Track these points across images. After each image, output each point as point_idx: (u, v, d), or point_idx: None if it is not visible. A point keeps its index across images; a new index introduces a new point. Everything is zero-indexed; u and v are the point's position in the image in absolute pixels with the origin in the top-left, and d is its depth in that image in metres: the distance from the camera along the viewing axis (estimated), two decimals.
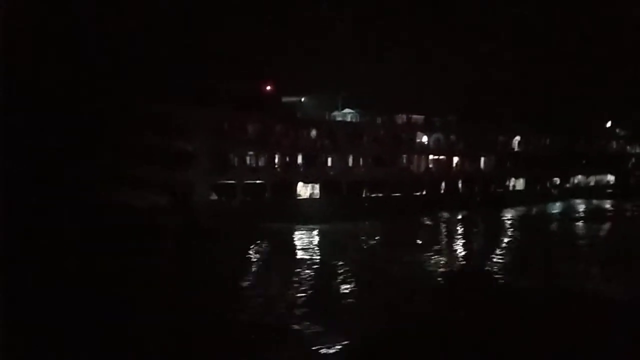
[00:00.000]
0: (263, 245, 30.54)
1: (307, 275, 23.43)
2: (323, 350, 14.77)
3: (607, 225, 43.59)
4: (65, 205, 28.62)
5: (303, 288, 21.35)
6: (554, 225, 44.33)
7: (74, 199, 29.39)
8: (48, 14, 35.39)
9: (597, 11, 72.26)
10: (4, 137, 24.44)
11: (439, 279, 24.31)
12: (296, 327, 16.74)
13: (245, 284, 22.70)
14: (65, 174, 30.62)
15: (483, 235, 38.57)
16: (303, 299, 19.82)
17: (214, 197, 35.70)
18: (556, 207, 53.21)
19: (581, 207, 53.77)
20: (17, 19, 30.93)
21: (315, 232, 34.31)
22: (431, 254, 28.84)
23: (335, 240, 32.77)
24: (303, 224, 35.70)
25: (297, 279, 22.78)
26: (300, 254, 28.48)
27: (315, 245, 31.36)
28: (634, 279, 24.10)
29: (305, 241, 32.05)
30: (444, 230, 39.21)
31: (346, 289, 21.67)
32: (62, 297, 18.01)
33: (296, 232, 34.10)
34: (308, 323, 16.89)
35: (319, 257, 27.58)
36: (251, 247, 29.36)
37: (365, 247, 31.92)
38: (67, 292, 18.61)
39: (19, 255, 21.06)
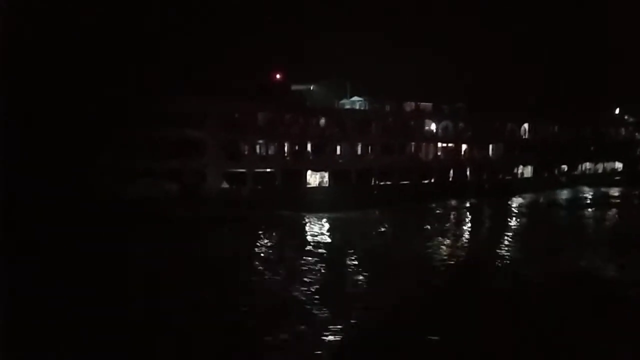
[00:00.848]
0: (274, 233, 30.91)
1: (322, 262, 23.80)
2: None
3: (614, 212, 43.64)
4: (77, 195, 28.91)
5: (321, 275, 21.72)
6: (562, 212, 44.46)
7: (85, 189, 29.70)
8: (58, 6, 35.43)
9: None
10: (13, 130, 24.62)
11: (450, 265, 24.54)
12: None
13: (259, 270, 23.09)
14: (77, 167, 30.89)
15: (492, 222, 38.79)
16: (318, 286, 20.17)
17: (225, 185, 35.99)
18: (564, 195, 53.23)
19: (589, 195, 53.71)
20: (25, 10, 31.01)
21: (325, 220, 34.57)
22: (442, 239, 29.15)
23: (346, 228, 33.05)
24: (313, 212, 35.97)
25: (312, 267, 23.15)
26: (311, 241, 28.76)
27: (327, 232, 31.64)
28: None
29: (315, 229, 32.34)
30: (453, 217, 39.41)
31: (362, 277, 22.02)
32: (76, 284, 18.35)
33: (306, 220, 34.39)
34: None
35: (331, 245, 27.94)
36: (263, 234, 29.76)
37: (376, 234, 32.20)
38: (80, 280, 18.96)
39: (28, 249, 21.32)
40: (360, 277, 21.86)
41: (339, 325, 15.91)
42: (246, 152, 37.37)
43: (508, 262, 24.97)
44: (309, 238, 29.82)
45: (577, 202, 49.20)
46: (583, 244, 29.20)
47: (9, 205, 20.28)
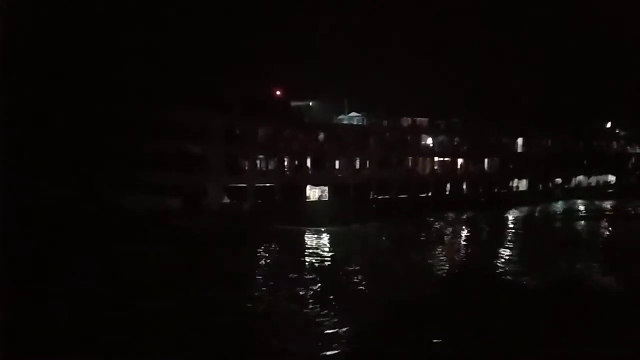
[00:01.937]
0: (275, 246, 31.35)
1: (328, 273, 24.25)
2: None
3: (607, 224, 44.31)
4: (77, 209, 29.21)
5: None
6: (556, 225, 45.11)
7: (86, 203, 30.00)
8: (59, 15, 35.88)
9: (597, 12, 73.29)
10: (15, 142, 24.98)
11: (448, 276, 25.03)
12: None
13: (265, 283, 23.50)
14: (76, 178, 31.20)
15: (490, 234, 39.36)
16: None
17: (226, 200, 36.47)
18: (559, 207, 53.98)
19: (583, 207, 54.48)
20: (26, 18, 31.46)
21: (325, 234, 35.00)
22: (440, 251, 29.73)
23: (346, 241, 33.50)
24: (313, 226, 36.41)
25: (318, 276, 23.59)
26: (312, 253, 29.18)
27: (327, 245, 32.06)
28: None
29: (315, 242, 32.76)
30: (451, 230, 39.93)
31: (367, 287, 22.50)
32: (74, 285, 18.64)
33: (306, 234, 34.80)
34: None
35: (331, 257, 28.40)
36: (263, 247, 30.21)
37: (376, 246, 32.69)
38: (78, 281, 19.33)
39: (27, 259, 21.62)
40: (362, 287, 22.32)
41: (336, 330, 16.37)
42: (247, 167, 37.97)
43: (507, 270, 25.51)
44: (309, 251, 30.21)
45: (571, 214, 49.90)
46: (577, 254, 29.81)
47: (9, 206, 20.63)
